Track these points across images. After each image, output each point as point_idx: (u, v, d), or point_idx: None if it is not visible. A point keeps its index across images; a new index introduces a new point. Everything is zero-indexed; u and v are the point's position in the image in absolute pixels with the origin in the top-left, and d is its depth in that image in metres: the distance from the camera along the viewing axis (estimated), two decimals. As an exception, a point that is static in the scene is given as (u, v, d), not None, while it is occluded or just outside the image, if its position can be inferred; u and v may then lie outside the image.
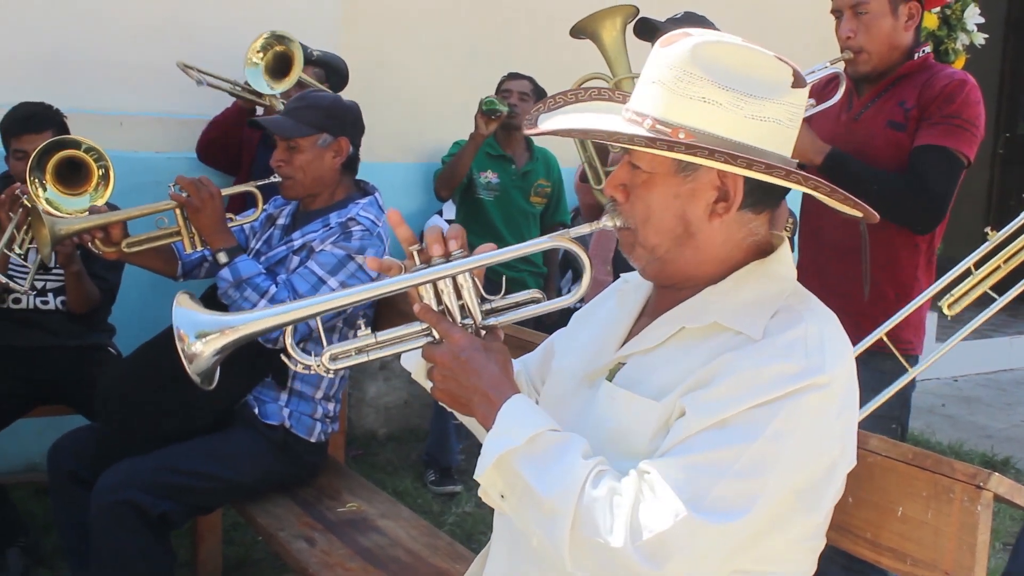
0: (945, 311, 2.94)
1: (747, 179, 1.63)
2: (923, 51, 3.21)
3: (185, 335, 1.73)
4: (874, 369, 3.06)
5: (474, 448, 5.65)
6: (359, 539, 3.01)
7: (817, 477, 1.58)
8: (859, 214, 1.67)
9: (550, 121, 1.78)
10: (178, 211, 3.23)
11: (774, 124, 1.60)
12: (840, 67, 3.20)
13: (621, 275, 1.98)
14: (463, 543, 3.17)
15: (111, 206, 3.91)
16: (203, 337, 1.73)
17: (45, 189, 3.28)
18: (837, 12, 3.20)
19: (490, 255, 1.73)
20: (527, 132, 1.78)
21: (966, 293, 2.99)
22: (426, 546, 2.98)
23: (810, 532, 1.66)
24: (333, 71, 5.15)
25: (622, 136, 1.58)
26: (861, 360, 2.97)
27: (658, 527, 1.46)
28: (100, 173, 3.33)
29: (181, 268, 3.43)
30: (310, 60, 4.94)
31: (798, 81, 1.62)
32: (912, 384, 3.22)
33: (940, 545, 1.71)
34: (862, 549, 1.85)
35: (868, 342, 2.94)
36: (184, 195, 3.19)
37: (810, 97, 3.27)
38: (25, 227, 3.43)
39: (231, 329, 1.74)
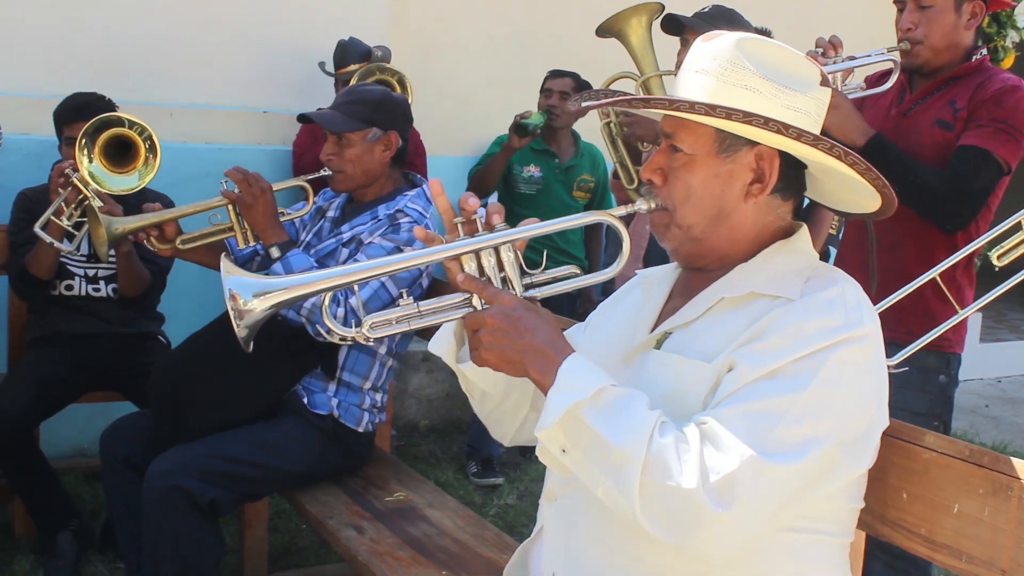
0: (994, 261, 2.97)
1: (781, 163, 1.77)
2: (981, 53, 3.19)
3: (238, 294, 1.80)
4: (916, 367, 3.08)
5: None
6: (407, 528, 3.04)
7: (860, 429, 1.67)
8: (872, 208, 1.82)
9: (605, 99, 1.89)
10: (230, 207, 3.27)
11: (804, 115, 1.75)
12: (896, 56, 3.19)
13: (638, 271, 2.06)
14: (506, 534, 3.18)
15: (161, 196, 3.98)
16: (259, 295, 1.80)
17: (91, 161, 3.32)
18: (900, 2, 3.19)
19: (533, 227, 1.80)
20: (583, 105, 1.88)
21: (1016, 246, 3.01)
22: (474, 536, 3.00)
23: (852, 490, 1.74)
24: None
25: (682, 104, 1.68)
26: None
27: (726, 468, 1.53)
28: (146, 147, 3.36)
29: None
30: (377, 60, 4.99)
31: (824, 80, 1.79)
32: (955, 383, 3.23)
33: (997, 543, 1.71)
34: (916, 545, 1.85)
35: (914, 348, 2.95)
36: (236, 191, 3.23)
37: (861, 82, 3.28)
38: (74, 204, 3.48)
39: (280, 291, 1.81)
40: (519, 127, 5.06)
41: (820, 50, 3.12)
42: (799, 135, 1.66)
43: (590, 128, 5.36)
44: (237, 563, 3.83)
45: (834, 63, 3.08)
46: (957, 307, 3.00)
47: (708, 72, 1.73)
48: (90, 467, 4.56)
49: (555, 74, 5.48)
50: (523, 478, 5.20)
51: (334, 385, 3.28)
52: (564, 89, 5.42)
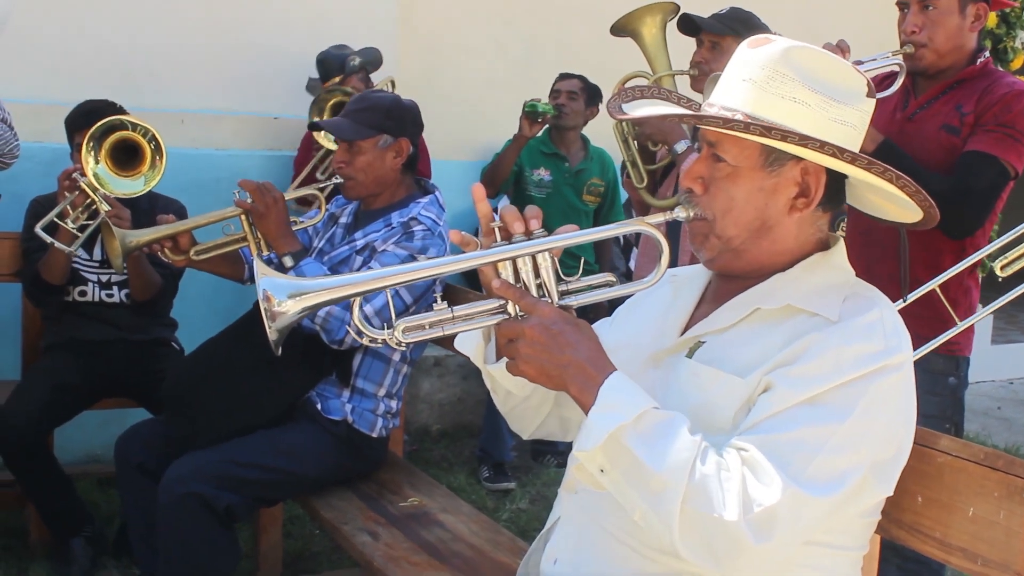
0: (997, 271, 2.98)
1: (827, 179, 1.75)
2: (984, 55, 3.19)
3: (273, 296, 1.76)
4: (925, 370, 3.09)
5: (525, 445, 5.66)
6: (422, 533, 3.05)
7: (892, 452, 1.68)
8: (911, 219, 1.80)
9: (645, 109, 1.85)
10: (243, 217, 3.28)
11: (850, 128, 1.72)
12: (900, 60, 3.18)
13: (668, 269, 2.02)
14: (519, 538, 3.19)
15: (173, 202, 4.00)
16: (294, 296, 1.76)
17: (97, 163, 3.33)
18: (903, 5, 3.17)
19: (571, 236, 1.75)
20: (618, 118, 1.84)
21: (1021, 256, 3.01)
22: (488, 541, 3.00)
23: (874, 507, 1.75)
24: (373, 65, 5.21)
25: (737, 124, 1.65)
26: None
27: (767, 501, 1.53)
28: (152, 148, 3.38)
29: (248, 272, 3.48)
30: (354, 71, 5.01)
31: (871, 91, 1.75)
32: (965, 385, 3.24)
33: (1012, 546, 1.71)
34: (931, 548, 1.85)
35: (927, 349, 2.96)
36: (248, 201, 3.24)
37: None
38: (81, 208, 3.50)
39: (316, 293, 1.77)
40: (529, 110, 5.08)
41: None
42: (853, 159, 1.65)
43: (599, 132, 5.38)
44: (252, 568, 3.84)
45: None
46: (956, 319, 3.01)
47: (754, 82, 1.71)
48: (103, 473, 4.59)
49: (563, 76, 5.55)
50: (535, 482, 5.21)
51: (348, 391, 3.29)
52: (572, 89, 5.48)
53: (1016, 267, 3.03)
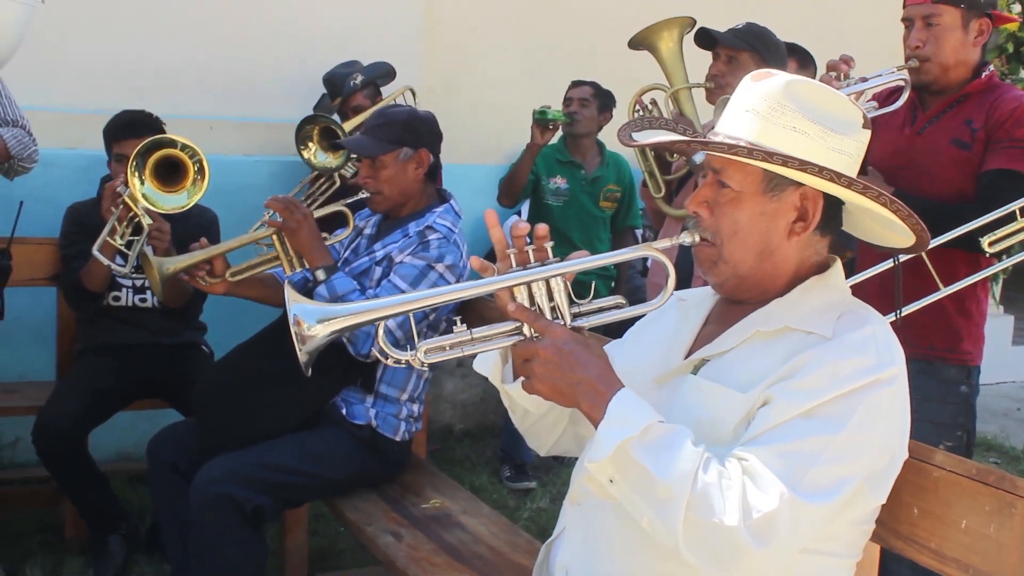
0: (985, 248, 3.04)
1: (825, 204, 1.84)
2: (988, 69, 3.25)
3: (303, 320, 1.87)
4: (938, 379, 3.18)
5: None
6: (443, 535, 3.14)
7: (886, 462, 1.77)
8: (904, 244, 1.89)
9: (655, 137, 1.97)
10: (275, 236, 3.39)
11: (847, 157, 1.81)
12: (905, 75, 3.25)
13: (675, 293, 2.10)
14: (538, 538, 3.27)
15: (205, 211, 4.10)
16: (323, 321, 1.87)
17: (143, 183, 3.43)
18: (908, 20, 3.25)
19: (582, 261, 1.86)
20: (628, 145, 1.96)
21: (1008, 235, 3.06)
22: (507, 543, 3.10)
23: (868, 515, 1.83)
24: (384, 78, 5.28)
25: (740, 150, 1.75)
26: (924, 371, 3.09)
27: (766, 507, 1.62)
28: (195, 168, 3.47)
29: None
30: (354, 90, 5.07)
31: (866, 123, 1.84)
32: (976, 392, 3.31)
33: (1003, 558, 1.79)
34: (927, 559, 1.92)
35: (904, 311, 3.04)
36: (279, 219, 3.35)
37: (871, 100, 3.35)
38: (126, 221, 3.61)
39: (343, 317, 1.88)
40: (539, 118, 5.11)
41: (833, 74, 3.19)
42: (850, 183, 1.74)
43: (615, 137, 5.45)
44: (279, 566, 3.93)
45: (847, 85, 3.15)
46: (940, 284, 3.07)
47: (757, 112, 1.81)
48: (134, 471, 4.70)
49: (575, 84, 5.57)
50: (555, 481, 5.28)
51: (372, 397, 3.39)
52: (583, 96, 5.49)
53: (1006, 243, 3.09)
